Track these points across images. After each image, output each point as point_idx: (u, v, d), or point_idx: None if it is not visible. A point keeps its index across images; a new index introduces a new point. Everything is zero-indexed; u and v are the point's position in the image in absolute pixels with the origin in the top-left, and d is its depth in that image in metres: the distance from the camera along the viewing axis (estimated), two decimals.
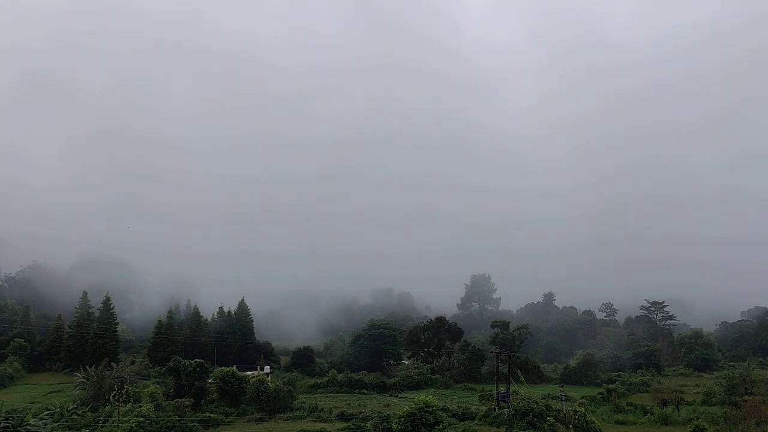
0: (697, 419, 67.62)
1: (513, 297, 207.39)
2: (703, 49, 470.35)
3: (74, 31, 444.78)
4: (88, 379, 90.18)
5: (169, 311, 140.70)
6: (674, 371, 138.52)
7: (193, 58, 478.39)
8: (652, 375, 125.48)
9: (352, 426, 70.36)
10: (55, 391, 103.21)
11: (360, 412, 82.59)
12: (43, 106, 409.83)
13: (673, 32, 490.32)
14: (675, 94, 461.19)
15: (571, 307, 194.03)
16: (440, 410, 68.00)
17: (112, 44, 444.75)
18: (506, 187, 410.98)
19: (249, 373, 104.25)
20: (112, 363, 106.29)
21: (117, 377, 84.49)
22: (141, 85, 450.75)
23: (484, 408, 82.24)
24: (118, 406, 72.79)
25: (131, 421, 65.96)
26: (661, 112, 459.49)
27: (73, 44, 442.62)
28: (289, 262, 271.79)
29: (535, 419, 69.72)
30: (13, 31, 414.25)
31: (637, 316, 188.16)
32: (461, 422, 76.14)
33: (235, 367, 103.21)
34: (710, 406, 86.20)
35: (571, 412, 67.75)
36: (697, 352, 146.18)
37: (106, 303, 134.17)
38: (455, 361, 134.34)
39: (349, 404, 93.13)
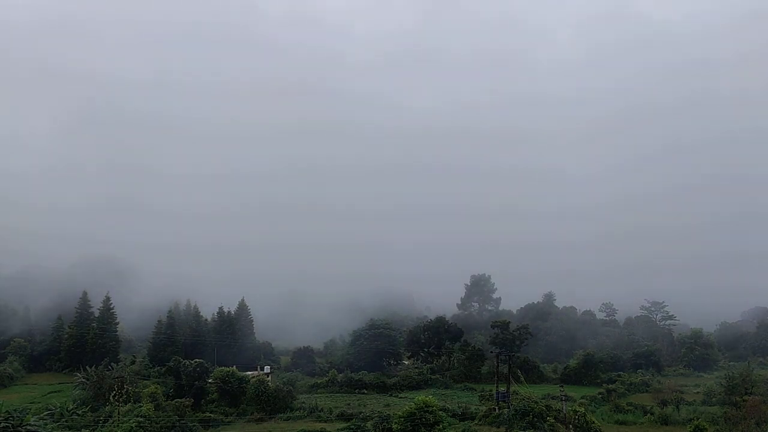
0: (697, 419, 67.65)
1: (513, 297, 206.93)
2: (731, 28, 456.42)
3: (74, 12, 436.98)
4: (88, 379, 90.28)
5: (169, 311, 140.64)
6: (674, 371, 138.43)
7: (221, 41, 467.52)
8: (652, 375, 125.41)
9: (352, 426, 70.44)
10: (55, 391, 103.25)
11: (360, 412, 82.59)
12: (33, 89, 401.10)
13: (703, 10, 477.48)
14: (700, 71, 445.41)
15: (571, 307, 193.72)
16: (440, 410, 68.08)
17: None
18: (509, 173, 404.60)
19: (249, 373, 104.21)
20: (112, 363, 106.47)
21: (117, 377, 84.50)
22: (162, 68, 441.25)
23: (484, 408, 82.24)
24: (118, 406, 72.90)
25: (131, 421, 66.07)
26: (682, 92, 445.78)
27: (76, 25, 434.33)
28: (290, 261, 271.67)
29: (535, 419, 69.75)
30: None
31: (637, 316, 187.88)
32: (461, 422, 76.19)
33: (235, 367, 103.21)
34: (710, 406, 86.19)
35: (571, 412, 67.75)
36: (697, 352, 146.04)
37: (106, 303, 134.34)
38: (455, 361, 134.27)
39: (349, 404, 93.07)
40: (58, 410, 76.16)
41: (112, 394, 77.02)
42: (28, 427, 56.88)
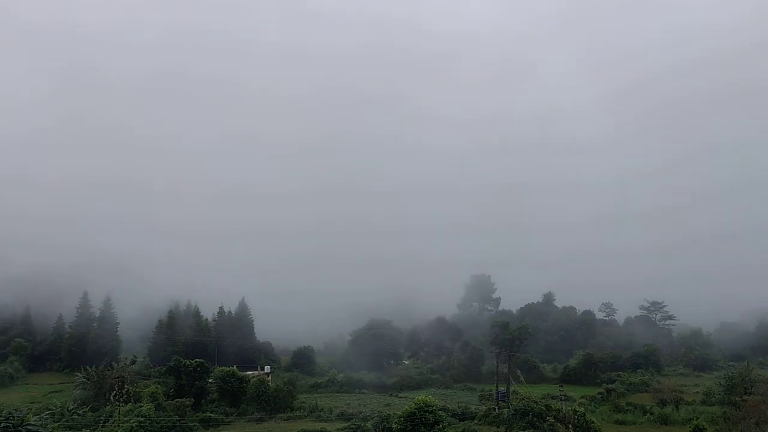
0: (697, 419, 67.79)
1: (513, 297, 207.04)
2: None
3: None
4: (88, 379, 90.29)
5: (170, 311, 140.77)
6: (674, 371, 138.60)
7: None
8: (652, 375, 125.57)
9: (352, 426, 70.54)
10: (56, 391, 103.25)
11: (360, 412, 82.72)
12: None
13: None
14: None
15: (571, 307, 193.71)
16: (440, 410, 68.03)
17: None
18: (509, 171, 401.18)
19: (249, 373, 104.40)
20: (113, 363, 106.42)
21: (117, 377, 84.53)
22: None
23: (484, 408, 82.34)
24: (119, 405, 72.97)
25: (132, 421, 66.08)
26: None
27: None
28: (290, 261, 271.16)
29: (535, 419, 69.81)
30: None
31: (637, 316, 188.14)
32: (461, 422, 76.24)
33: (235, 367, 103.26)
34: (710, 406, 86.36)
35: (571, 412, 67.93)
36: (697, 352, 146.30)
37: (107, 303, 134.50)
38: (455, 361, 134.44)
39: (349, 404, 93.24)
40: (58, 410, 76.20)
41: (113, 394, 77.10)
42: (29, 427, 56.97)
